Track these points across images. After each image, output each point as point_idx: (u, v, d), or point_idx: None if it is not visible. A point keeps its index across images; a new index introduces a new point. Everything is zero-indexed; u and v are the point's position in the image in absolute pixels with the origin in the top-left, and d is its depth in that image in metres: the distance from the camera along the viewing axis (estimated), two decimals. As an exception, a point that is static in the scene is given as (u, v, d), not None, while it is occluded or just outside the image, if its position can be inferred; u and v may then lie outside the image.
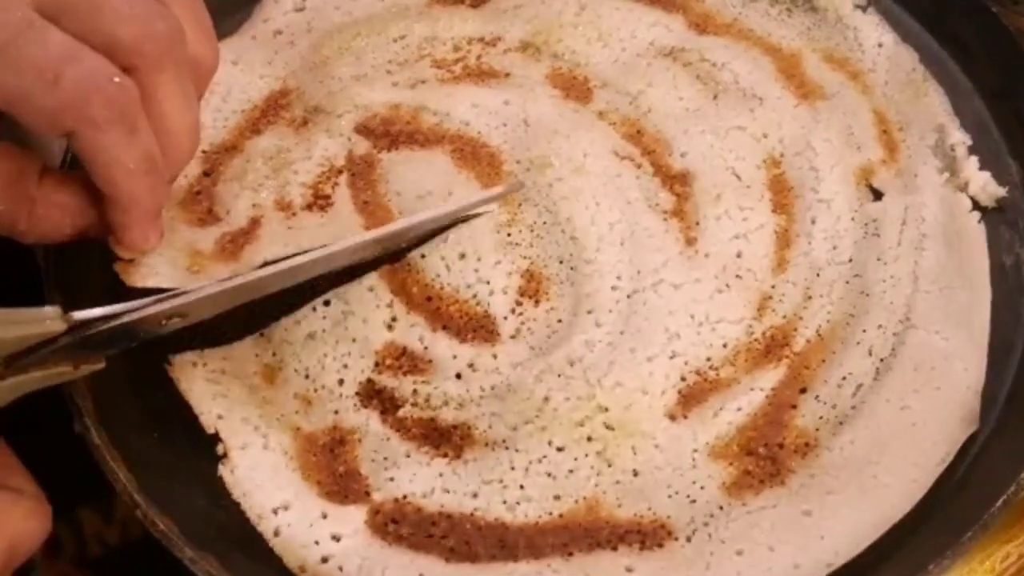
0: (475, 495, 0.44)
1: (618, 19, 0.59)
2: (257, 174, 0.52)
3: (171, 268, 0.45)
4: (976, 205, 0.52)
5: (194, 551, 0.41)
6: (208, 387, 0.47)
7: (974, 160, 0.53)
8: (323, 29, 0.59)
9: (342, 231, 0.49)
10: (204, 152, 0.53)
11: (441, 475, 0.45)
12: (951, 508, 0.44)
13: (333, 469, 0.46)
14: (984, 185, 0.52)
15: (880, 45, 0.57)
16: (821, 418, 0.46)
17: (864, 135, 0.54)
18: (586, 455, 0.45)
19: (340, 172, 0.52)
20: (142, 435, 0.46)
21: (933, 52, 0.58)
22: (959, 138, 0.53)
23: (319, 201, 0.51)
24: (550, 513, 0.44)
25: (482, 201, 0.50)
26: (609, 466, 0.45)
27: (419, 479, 0.45)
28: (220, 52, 0.45)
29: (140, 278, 0.43)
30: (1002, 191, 0.52)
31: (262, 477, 0.45)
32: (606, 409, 0.46)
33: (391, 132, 0.54)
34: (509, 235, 0.50)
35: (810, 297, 0.50)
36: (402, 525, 0.44)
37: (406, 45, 0.58)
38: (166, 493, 0.44)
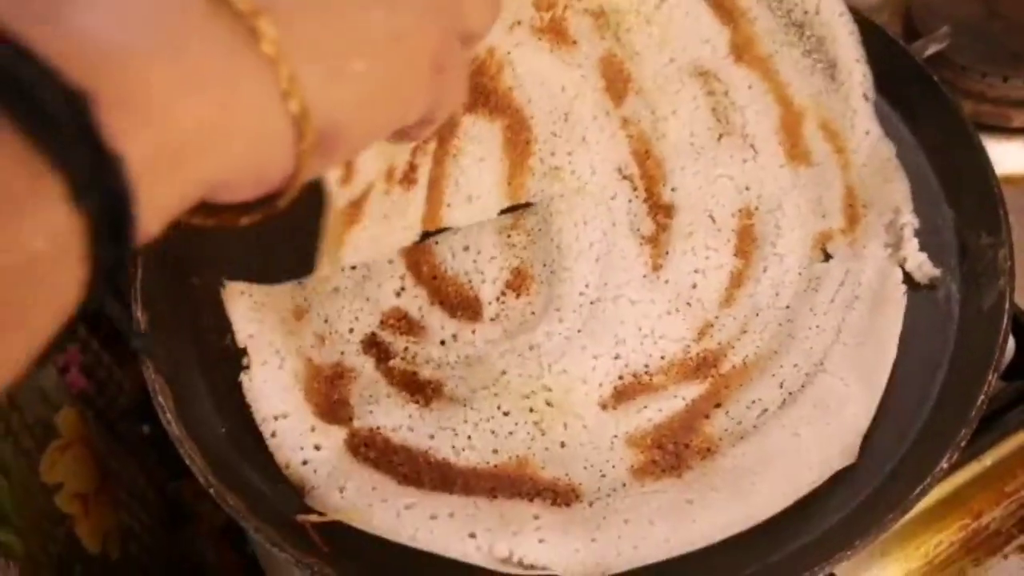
0: (432, 437, 0.55)
1: (684, 26, 0.65)
2: None
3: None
4: (910, 281, 0.60)
5: (257, 522, 0.50)
6: (248, 312, 0.59)
7: (915, 242, 0.60)
8: None
9: (409, 224, 0.59)
10: None
11: (410, 417, 0.56)
12: (881, 495, 0.53)
13: (329, 396, 0.57)
14: (920, 264, 0.60)
15: (867, 133, 0.65)
16: (726, 430, 0.55)
17: (832, 206, 0.62)
18: (525, 422, 0.55)
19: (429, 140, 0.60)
20: (213, 430, 0.55)
21: (884, 113, 0.66)
22: (908, 220, 0.61)
23: (410, 175, 0.59)
24: (487, 463, 0.54)
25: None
26: (543, 435, 0.55)
27: (392, 416, 0.56)
28: None
29: None
30: (936, 272, 0.60)
31: (272, 390, 0.56)
32: (550, 389, 0.56)
33: (477, 84, 0.61)
34: (509, 236, 0.61)
35: (745, 331, 0.59)
36: (371, 449, 0.55)
37: None
38: (233, 476, 0.52)
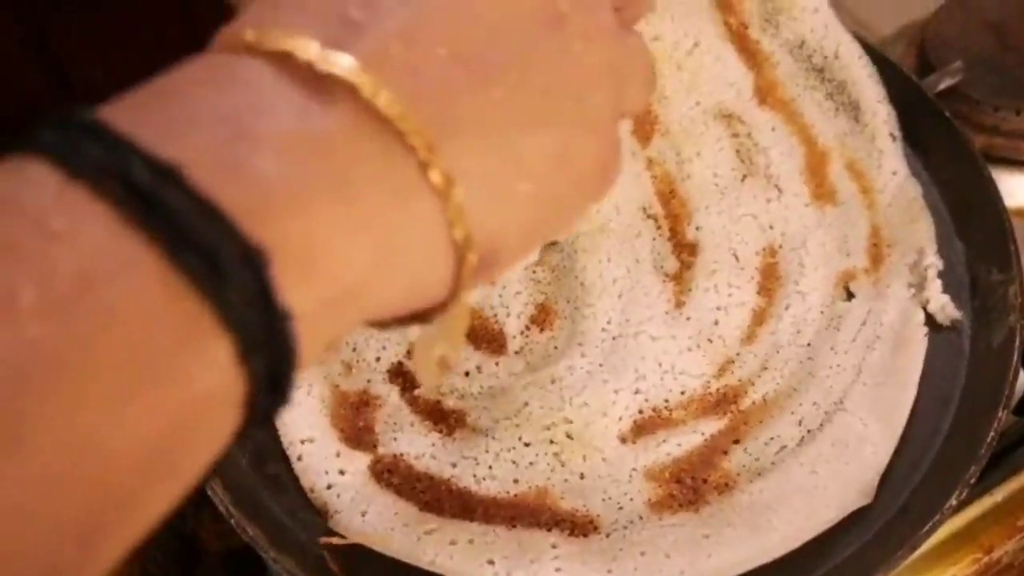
0: (454, 465, 0.56)
1: (713, 71, 0.66)
2: None
3: None
4: (932, 322, 0.60)
5: (276, 553, 0.51)
6: (277, 341, 0.60)
7: (939, 283, 0.61)
8: None
9: None
10: None
11: (433, 445, 0.57)
12: (891, 531, 0.53)
13: (354, 422, 0.58)
14: (943, 306, 0.60)
15: (894, 173, 0.65)
16: (744, 466, 0.56)
17: (856, 245, 0.63)
18: (546, 454, 0.56)
19: None
20: (235, 459, 0.56)
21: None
22: (932, 261, 0.61)
23: None
24: (507, 492, 0.55)
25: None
26: (562, 466, 0.56)
27: (416, 444, 0.57)
28: None
29: None
30: (958, 314, 0.60)
31: (299, 414, 0.57)
32: (570, 422, 0.57)
33: None
34: (534, 272, 0.62)
35: (765, 368, 0.59)
36: (394, 475, 0.56)
37: None
38: (254, 506, 0.53)
